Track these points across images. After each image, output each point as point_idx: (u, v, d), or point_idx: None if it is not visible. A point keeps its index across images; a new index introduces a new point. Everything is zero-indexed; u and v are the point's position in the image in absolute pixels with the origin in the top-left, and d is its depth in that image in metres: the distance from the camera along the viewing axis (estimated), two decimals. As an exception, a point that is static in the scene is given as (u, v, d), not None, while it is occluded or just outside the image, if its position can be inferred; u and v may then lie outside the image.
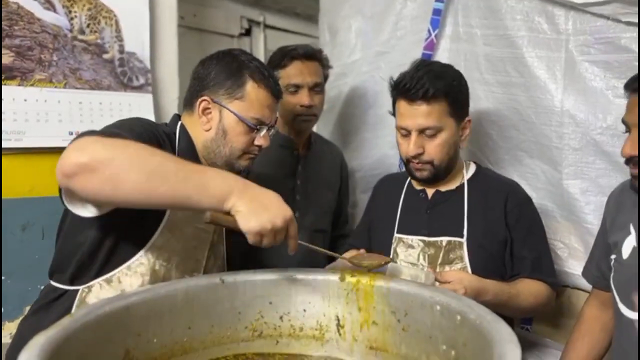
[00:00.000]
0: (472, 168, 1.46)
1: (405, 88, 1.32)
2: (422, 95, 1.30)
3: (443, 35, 1.71)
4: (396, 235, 1.43)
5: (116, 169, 0.87)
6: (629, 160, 1.08)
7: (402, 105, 1.34)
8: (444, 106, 1.33)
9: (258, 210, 0.92)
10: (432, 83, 1.30)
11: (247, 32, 2.55)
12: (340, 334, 1.04)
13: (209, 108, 1.21)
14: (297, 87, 1.67)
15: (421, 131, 1.33)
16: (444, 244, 1.35)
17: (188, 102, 1.26)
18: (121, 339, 0.84)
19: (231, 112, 1.20)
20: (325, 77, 1.75)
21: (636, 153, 1.04)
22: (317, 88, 1.69)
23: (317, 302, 1.05)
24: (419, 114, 1.32)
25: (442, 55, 1.70)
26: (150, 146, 0.94)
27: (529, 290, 1.29)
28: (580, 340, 1.29)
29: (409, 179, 1.48)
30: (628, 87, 1.09)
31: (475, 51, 1.61)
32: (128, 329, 0.86)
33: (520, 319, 1.62)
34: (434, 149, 1.35)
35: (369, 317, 1.01)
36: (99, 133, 0.97)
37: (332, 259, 1.64)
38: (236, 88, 1.20)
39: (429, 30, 1.71)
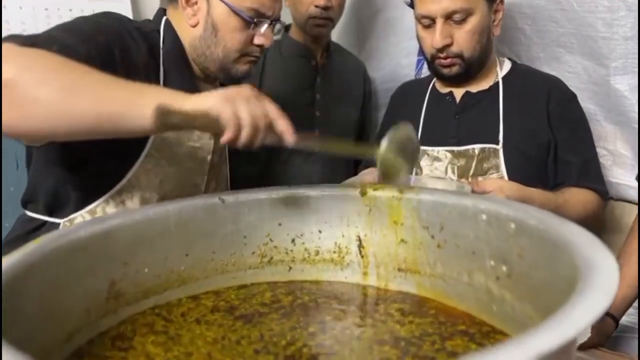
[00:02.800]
0: (507, 64, 1.28)
1: None
2: None
3: None
4: (422, 147, 1.26)
5: (22, 90, 0.68)
6: None
7: None
8: None
9: (228, 97, 0.72)
10: None
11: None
12: (362, 256, 0.90)
13: None
14: None
15: (448, 17, 1.15)
16: (476, 152, 1.19)
17: None
18: (103, 269, 0.70)
19: (222, 2, 0.98)
20: None
21: None
22: None
23: (335, 222, 0.90)
24: None
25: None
26: (75, 61, 0.73)
27: (577, 199, 1.14)
28: (633, 255, 1.15)
29: (432, 82, 1.30)
30: None
31: None
32: (111, 257, 0.72)
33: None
34: (463, 38, 1.16)
35: (396, 235, 0.87)
36: (20, 39, 0.77)
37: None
38: None
39: None
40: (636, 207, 1.22)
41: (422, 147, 1.27)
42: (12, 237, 0.98)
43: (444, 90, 1.29)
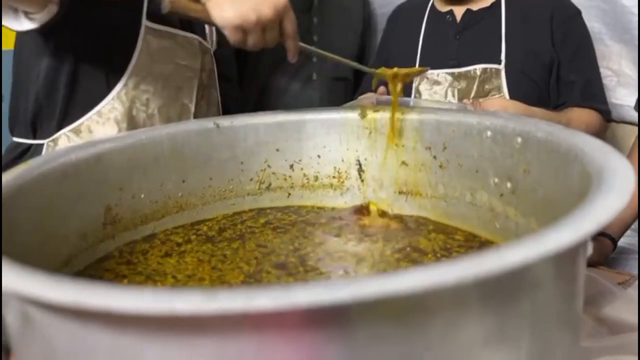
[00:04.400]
0: None
1: None
2: None
3: None
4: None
5: None
6: None
7: None
8: None
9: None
10: None
11: None
12: (362, 180, 0.88)
13: None
14: None
15: None
16: (477, 73, 1.16)
17: None
18: (97, 194, 0.69)
19: None
20: None
21: None
22: None
23: (334, 146, 0.88)
24: None
25: None
26: None
27: (580, 118, 1.13)
28: None
29: (431, 1, 1.24)
30: None
31: None
32: (105, 182, 0.70)
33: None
34: None
35: (396, 157, 0.85)
36: None
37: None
38: None
39: None
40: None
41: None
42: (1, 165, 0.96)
43: (444, 9, 1.24)
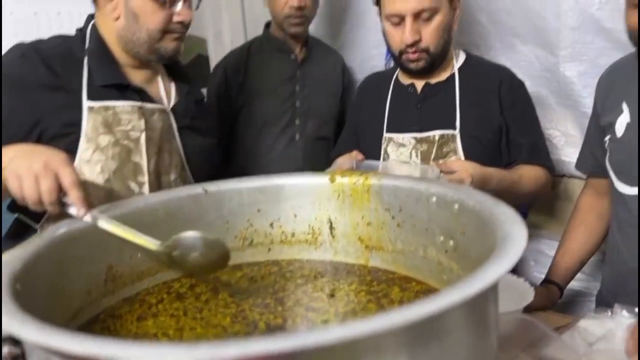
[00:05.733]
0: (462, 56, 1.38)
1: None
2: None
3: None
4: (386, 135, 1.37)
5: None
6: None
7: None
8: None
9: (21, 154, 0.82)
10: None
11: None
12: (333, 237, 1.00)
13: None
14: None
15: (416, 15, 1.24)
16: (436, 138, 1.30)
17: None
18: (99, 255, 0.80)
19: None
20: None
21: None
22: None
23: (308, 206, 1.00)
24: None
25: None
26: None
27: (529, 174, 1.27)
28: (576, 230, 1.28)
29: (395, 74, 1.40)
30: None
31: None
32: (106, 245, 0.81)
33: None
34: (430, 34, 1.26)
35: (362, 217, 0.97)
36: None
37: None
38: None
39: None
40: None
41: (388, 134, 1.37)
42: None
43: (406, 81, 1.38)
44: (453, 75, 1.35)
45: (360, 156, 1.23)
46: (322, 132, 1.71)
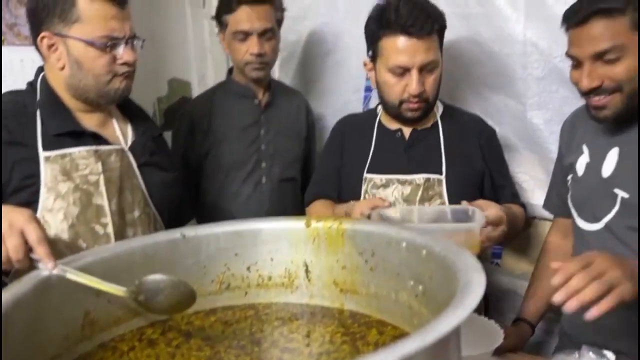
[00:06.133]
0: (441, 106, 1.45)
1: (408, 24, 1.26)
2: (428, 30, 1.27)
3: (399, -30, 1.64)
4: (367, 175, 1.41)
5: None
6: (589, 92, 1.08)
7: (401, 41, 1.28)
8: (436, 39, 1.31)
9: None
10: (432, 17, 1.28)
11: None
12: (309, 280, 1.02)
13: (53, 44, 1.13)
14: (246, 34, 1.59)
15: (422, 68, 1.29)
16: (422, 181, 1.36)
17: (35, 45, 1.16)
18: (77, 301, 0.81)
19: (75, 38, 1.11)
20: (279, 21, 1.67)
21: (595, 85, 1.05)
22: (268, 34, 1.62)
23: (284, 250, 1.03)
24: (421, 50, 1.28)
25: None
26: None
27: (517, 212, 1.36)
28: (544, 270, 1.32)
29: (377, 118, 1.45)
30: (572, 17, 1.08)
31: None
32: (84, 291, 0.82)
33: (491, 254, 1.64)
34: (431, 85, 1.33)
35: (336, 260, 1.00)
36: None
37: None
38: (69, 11, 1.10)
39: (384, -35, 1.64)
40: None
41: (370, 175, 1.40)
42: None
43: (393, 126, 1.43)
44: (436, 122, 1.42)
45: (386, 202, 1.22)
46: (288, 173, 1.74)
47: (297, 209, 1.75)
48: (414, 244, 0.85)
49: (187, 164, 1.68)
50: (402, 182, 1.37)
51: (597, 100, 1.08)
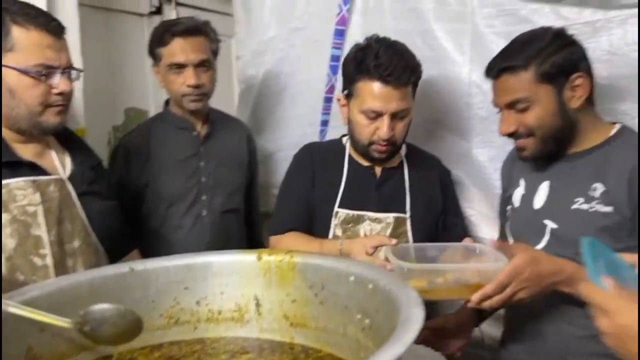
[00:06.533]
0: (404, 145, 1.47)
1: (387, 73, 1.29)
2: (404, 81, 1.30)
3: (354, 10, 1.72)
4: (338, 210, 1.42)
5: None
6: (510, 136, 1.20)
7: (377, 87, 1.31)
8: (411, 89, 1.35)
9: None
10: (410, 68, 1.32)
11: (158, 10, 2.45)
12: (259, 314, 1.03)
13: None
14: (181, 66, 1.58)
15: (394, 114, 1.32)
16: (392, 220, 1.39)
17: None
18: (20, 336, 0.79)
19: (9, 67, 1.10)
20: (215, 52, 1.65)
21: (511, 130, 1.18)
22: (204, 65, 1.60)
23: (235, 284, 1.03)
24: (396, 98, 1.31)
25: (354, 31, 1.71)
26: None
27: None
28: None
29: (346, 151, 1.46)
30: (489, 72, 1.21)
31: (385, 25, 1.63)
32: (27, 325, 0.80)
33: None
34: (401, 131, 1.36)
35: (287, 294, 1.01)
36: None
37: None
38: (3, 39, 1.09)
39: (340, 5, 1.71)
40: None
41: (344, 210, 1.40)
42: None
43: (365, 163, 1.45)
44: (402, 162, 1.46)
45: (393, 241, 1.20)
46: (230, 204, 1.71)
47: (241, 240, 1.73)
48: (362, 278, 0.87)
49: (124, 196, 1.57)
50: (373, 220, 1.39)
51: (517, 142, 1.21)
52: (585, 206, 1.13)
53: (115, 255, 1.26)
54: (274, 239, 1.48)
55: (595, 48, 1.32)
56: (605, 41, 1.34)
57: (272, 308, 1.02)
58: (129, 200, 1.56)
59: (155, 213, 1.63)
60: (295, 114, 1.93)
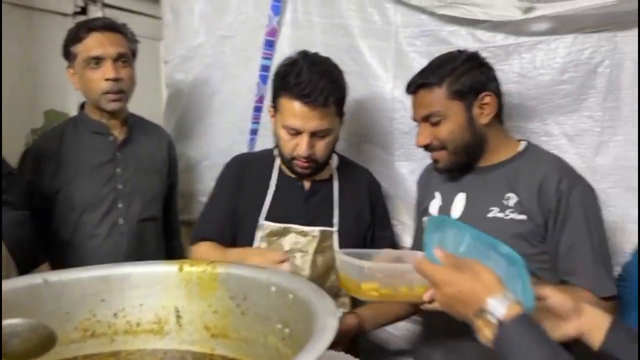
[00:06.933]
0: (336, 157, 1.49)
1: (305, 93, 1.28)
2: (322, 102, 1.29)
3: (284, 22, 1.74)
4: (266, 222, 1.40)
5: None
6: (426, 148, 1.29)
7: (296, 106, 1.30)
8: (333, 109, 1.34)
9: None
10: (330, 89, 1.30)
11: (83, 11, 2.37)
12: (180, 325, 1.02)
13: None
14: (99, 60, 1.50)
15: (313, 133, 1.32)
16: (318, 233, 1.39)
17: None
18: None
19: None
20: (133, 52, 1.60)
21: (426, 142, 1.27)
22: (123, 59, 1.54)
23: (155, 295, 1.02)
24: (315, 117, 1.30)
25: (284, 43, 1.73)
26: None
27: None
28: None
29: (277, 163, 1.46)
30: (408, 88, 1.30)
31: (314, 39, 1.66)
32: None
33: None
34: (322, 149, 1.35)
35: (208, 305, 1.01)
36: None
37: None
38: None
39: (269, 16, 1.72)
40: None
41: (269, 223, 1.39)
42: None
43: (294, 175, 1.43)
44: (332, 176, 1.46)
45: (286, 256, 1.18)
46: (148, 212, 1.65)
47: (158, 249, 1.68)
48: (282, 289, 0.89)
49: (33, 203, 1.48)
50: (299, 232, 1.39)
51: (432, 155, 1.29)
52: (500, 214, 1.21)
53: (26, 267, 1.20)
54: (191, 248, 1.46)
55: (507, 70, 1.43)
56: (517, 64, 1.45)
57: (193, 319, 1.02)
58: (38, 207, 1.48)
59: (67, 221, 1.54)
60: (224, 121, 1.91)
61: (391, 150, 1.60)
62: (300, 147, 1.33)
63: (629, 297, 1.24)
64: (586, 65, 1.38)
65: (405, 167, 1.59)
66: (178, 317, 1.02)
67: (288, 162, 1.39)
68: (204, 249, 1.41)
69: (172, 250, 1.77)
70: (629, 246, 1.34)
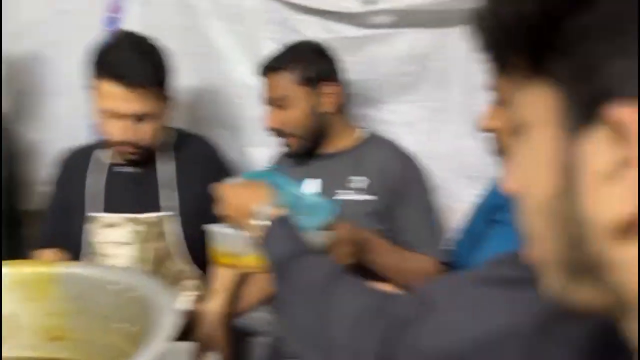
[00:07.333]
0: (175, 134, 1.41)
1: (121, 73, 1.19)
2: (141, 82, 1.21)
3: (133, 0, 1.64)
4: (99, 214, 1.33)
5: None
6: (277, 134, 1.33)
7: (114, 87, 1.21)
8: (156, 90, 1.26)
9: None
10: (151, 70, 1.23)
11: None
12: (17, 330, 0.96)
13: None
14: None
15: (136, 117, 1.24)
16: (155, 219, 1.32)
17: None
18: None
19: None
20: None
21: (273, 126, 1.31)
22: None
23: (-13, 300, 0.94)
24: (134, 99, 1.21)
25: (133, 21, 1.61)
26: None
27: None
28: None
29: (104, 151, 1.37)
30: (258, 71, 1.33)
31: (164, 19, 1.59)
32: None
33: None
34: (146, 134, 1.27)
35: (45, 307, 0.95)
36: None
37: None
38: None
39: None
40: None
41: (101, 214, 1.32)
42: None
43: (124, 162, 1.34)
44: (170, 154, 1.37)
45: None
46: None
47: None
48: (120, 287, 0.87)
49: None
50: (134, 221, 1.31)
51: (281, 140, 1.34)
52: (349, 197, 1.28)
53: None
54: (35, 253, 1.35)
55: (353, 61, 1.49)
56: (362, 55, 1.52)
57: (30, 323, 0.96)
58: None
59: None
60: (64, 104, 1.77)
61: (242, 135, 1.62)
62: (121, 131, 1.24)
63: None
64: (422, 59, 1.50)
65: (256, 153, 1.61)
66: (14, 321, 0.95)
67: (113, 148, 1.31)
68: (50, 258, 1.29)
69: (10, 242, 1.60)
70: (456, 223, 1.50)
